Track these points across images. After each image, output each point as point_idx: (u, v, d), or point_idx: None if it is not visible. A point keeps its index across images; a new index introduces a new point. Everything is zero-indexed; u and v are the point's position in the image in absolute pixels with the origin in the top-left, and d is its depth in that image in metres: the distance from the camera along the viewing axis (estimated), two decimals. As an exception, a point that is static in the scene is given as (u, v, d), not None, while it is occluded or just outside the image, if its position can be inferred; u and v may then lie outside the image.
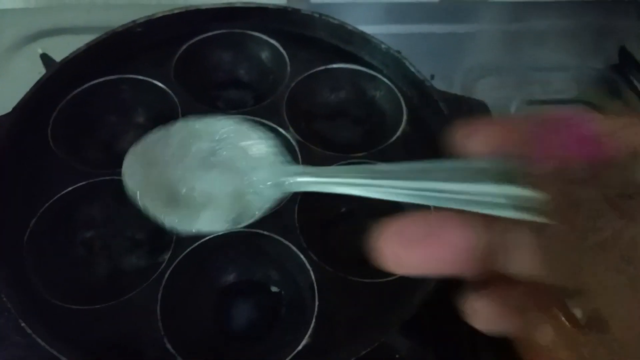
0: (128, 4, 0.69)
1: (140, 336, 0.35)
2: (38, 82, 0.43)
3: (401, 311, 0.34)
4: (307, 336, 0.34)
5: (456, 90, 0.62)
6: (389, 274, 0.38)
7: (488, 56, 0.67)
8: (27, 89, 0.42)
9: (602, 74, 0.67)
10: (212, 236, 0.38)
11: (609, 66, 0.67)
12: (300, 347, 0.34)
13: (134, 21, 0.47)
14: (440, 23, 0.68)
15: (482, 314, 0.17)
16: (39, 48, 0.57)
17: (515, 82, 0.65)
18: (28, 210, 0.38)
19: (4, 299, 0.33)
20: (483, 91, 0.63)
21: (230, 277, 0.39)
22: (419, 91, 0.46)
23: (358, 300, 0.37)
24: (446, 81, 0.62)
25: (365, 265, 0.41)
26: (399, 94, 0.47)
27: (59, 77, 0.44)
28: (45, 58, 0.51)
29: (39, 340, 0.31)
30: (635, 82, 0.64)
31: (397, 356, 0.40)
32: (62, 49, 0.50)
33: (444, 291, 0.46)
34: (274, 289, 0.39)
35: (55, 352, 0.31)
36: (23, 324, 0.32)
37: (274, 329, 0.38)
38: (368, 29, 0.50)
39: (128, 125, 0.47)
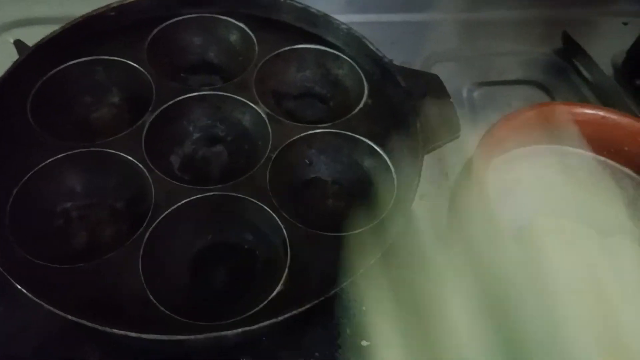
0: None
1: (123, 292, 0.37)
2: (15, 63, 0.45)
3: (365, 258, 0.37)
4: (280, 283, 0.37)
5: (414, 74, 0.66)
6: (355, 229, 0.41)
7: (444, 43, 0.72)
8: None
9: (549, 58, 0.72)
10: (187, 200, 0.41)
11: (554, 50, 0.72)
12: (274, 294, 0.37)
13: (107, 5, 0.49)
14: (399, 12, 0.72)
15: None
16: (10, 38, 0.59)
17: (468, 66, 0.69)
18: (10, 181, 0.40)
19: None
20: (438, 74, 0.67)
21: (208, 238, 0.42)
22: (378, 67, 0.49)
23: (327, 252, 0.39)
24: (405, 65, 0.66)
25: (332, 224, 0.44)
26: (360, 71, 0.50)
27: (36, 58, 0.46)
28: (19, 44, 0.53)
29: (25, 292, 0.33)
30: (578, 65, 0.70)
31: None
32: (34, 39, 0.51)
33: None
34: (248, 248, 0.42)
35: (43, 303, 0.33)
36: (9, 278, 0.34)
37: (251, 284, 0.40)
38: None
39: (104, 104, 0.49)
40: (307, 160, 0.47)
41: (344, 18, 0.69)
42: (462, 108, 0.61)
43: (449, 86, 0.53)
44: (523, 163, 0.46)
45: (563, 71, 0.71)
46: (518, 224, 0.43)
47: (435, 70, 0.68)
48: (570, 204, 0.46)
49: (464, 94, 0.65)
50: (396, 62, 0.65)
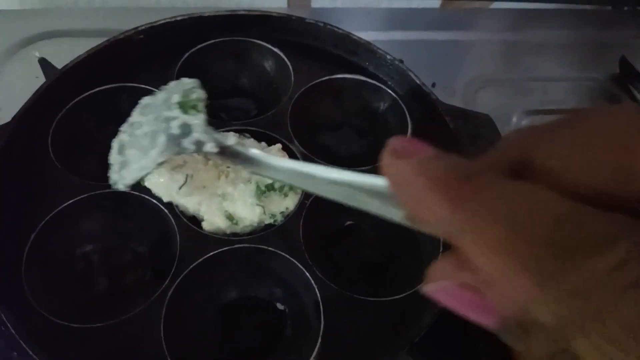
0: (126, 8, 0.68)
1: (142, 354, 0.34)
2: (37, 91, 0.43)
3: (409, 332, 0.34)
4: (312, 356, 0.34)
5: (458, 99, 0.62)
6: (395, 292, 0.37)
7: (489, 65, 0.67)
8: (25, 93, 0.42)
9: (602, 85, 0.67)
10: (215, 252, 0.38)
11: (609, 76, 0.67)
12: (306, 367, 0.34)
13: (135, 28, 0.46)
14: (441, 30, 0.68)
15: None
16: (35, 51, 0.57)
17: (515, 91, 0.64)
18: (28, 224, 0.38)
19: (2, 317, 0.32)
20: (483, 100, 0.62)
21: (234, 294, 0.39)
22: (424, 104, 0.45)
23: (364, 319, 0.36)
24: (447, 90, 0.62)
25: (371, 282, 0.40)
26: (403, 106, 0.46)
27: (58, 85, 0.43)
28: (43, 63, 0.50)
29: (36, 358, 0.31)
30: (635, 92, 0.64)
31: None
32: (59, 52, 0.49)
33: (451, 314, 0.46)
34: (278, 306, 0.39)
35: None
36: (22, 344, 0.31)
37: (279, 347, 0.37)
38: (368, 35, 0.50)
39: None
40: (342, 206, 0.43)
41: (383, 35, 0.66)
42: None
43: (496, 114, 0.49)
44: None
45: (617, 99, 0.66)
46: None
47: (481, 96, 0.63)
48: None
49: (514, 121, 0.60)
50: (437, 84, 0.61)
